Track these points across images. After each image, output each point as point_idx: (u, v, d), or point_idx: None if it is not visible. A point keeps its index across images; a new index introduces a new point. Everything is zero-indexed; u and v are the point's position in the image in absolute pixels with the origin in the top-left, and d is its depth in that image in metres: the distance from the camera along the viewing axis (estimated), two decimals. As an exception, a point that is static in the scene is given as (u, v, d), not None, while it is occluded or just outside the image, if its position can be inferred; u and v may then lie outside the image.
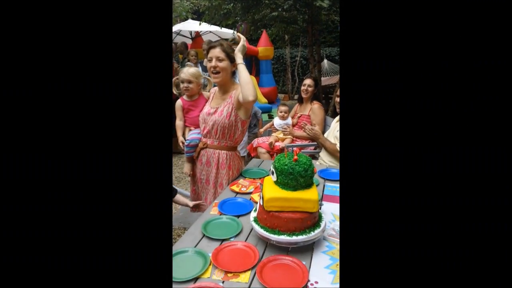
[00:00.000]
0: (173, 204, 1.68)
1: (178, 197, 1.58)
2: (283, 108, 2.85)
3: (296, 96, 7.28)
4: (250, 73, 7.22)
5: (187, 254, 0.98)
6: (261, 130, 3.15)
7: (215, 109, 1.58)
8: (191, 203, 1.60)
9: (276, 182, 1.04)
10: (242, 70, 1.47)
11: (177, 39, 6.49)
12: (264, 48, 6.97)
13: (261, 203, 1.04)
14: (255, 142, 2.85)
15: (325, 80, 6.01)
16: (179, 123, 1.83)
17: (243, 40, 1.52)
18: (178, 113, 1.85)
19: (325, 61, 7.32)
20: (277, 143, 2.72)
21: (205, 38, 6.26)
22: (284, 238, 0.97)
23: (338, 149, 2.03)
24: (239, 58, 1.50)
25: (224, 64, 1.53)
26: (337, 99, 2.20)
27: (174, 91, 2.08)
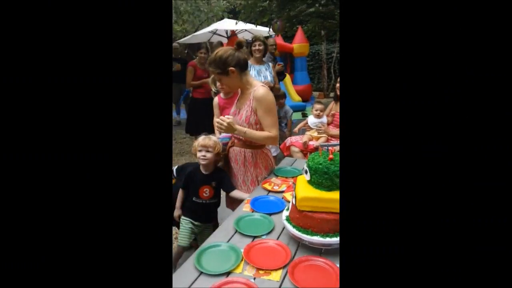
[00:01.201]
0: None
1: (235, 192, 1.60)
2: (318, 106, 2.80)
3: (331, 94, 7.12)
4: (285, 70, 7.18)
5: (220, 248, 1.00)
6: (296, 129, 3.12)
7: (238, 111, 1.59)
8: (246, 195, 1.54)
9: (310, 182, 1.02)
10: (251, 135, 1.51)
11: (213, 39, 6.62)
12: (299, 45, 6.89)
13: (294, 202, 1.03)
14: (288, 141, 2.83)
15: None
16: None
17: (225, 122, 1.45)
18: (215, 111, 1.88)
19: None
20: (311, 142, 2.68)
21: (240, 36, 6.32)
22: (317, 239, 0.95)
23: None
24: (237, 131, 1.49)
25: (224, 80, 1.53)
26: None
27: (213, 88, 2.12)
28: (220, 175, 1.62)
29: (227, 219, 1.22)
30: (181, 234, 1.64)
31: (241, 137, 1.57)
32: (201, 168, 1.61)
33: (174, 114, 5.35)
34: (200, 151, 1.54)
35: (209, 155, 1.54)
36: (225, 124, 1.44)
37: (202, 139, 1.56)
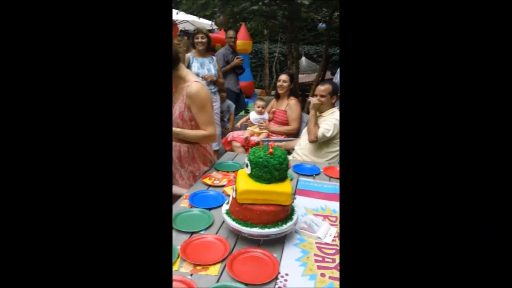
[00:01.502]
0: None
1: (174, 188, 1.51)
2: (260, 103, 2.84)
3: (273, 92, 7.31)
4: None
5: (155, 246, 0.94)
6: (238, 124, 3.12)
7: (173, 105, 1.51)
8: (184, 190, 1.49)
9: (250, 175, 1.02)
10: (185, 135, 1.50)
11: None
12: (242, 41, 6.91)
13: (234, 196, 1.02)
14: (230, 135, 2.82)
15: (303, 78, 6.06)
16: None
17: None
18: None
19: (303, 58, 7.39)
20: (252, 138, 2.71)
21: (181, 27, 6.09)
22: (256, 230, 0.96)
23: (317, 133, 2.05)
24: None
25: None
26: (312, 98, 2.22)
27: None
28: None
29: (164, 215, 1.15)
30: None
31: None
32: None
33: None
34: None
35: None
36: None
37: None
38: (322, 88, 2.16)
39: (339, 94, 2.45)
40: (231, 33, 3.93)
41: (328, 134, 2.03)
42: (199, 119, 1.48)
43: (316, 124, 2.10)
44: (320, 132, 2.04)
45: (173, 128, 1.45)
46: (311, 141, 2.10)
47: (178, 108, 1.48)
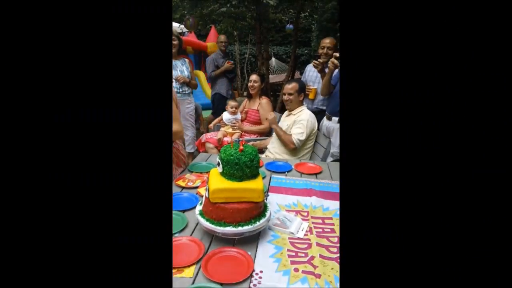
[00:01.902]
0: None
1: None
2: (233, 103, 2.85)
3: (245, 93, 7.33)
4: (199, 68, 7.06)
5: (126, 252, 0.92)
6: (210, 125, 3.10)
7: None
8: None
9: (222, 173, 1.03)
10: None
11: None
12: (213, 43, 6.86)
13: (207, 195, 1.01)
14: (203, 137, 2.80)
15: (273, 78, 6.14)
16: None
17: None
18: None
19: (273, 59, 7.48)
20: (225, 138, 2.70)
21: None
22: (229, 229, 0.96)
23: (293, 140, 2.09)
24: None
25: None
26: (284, 97, 2.26)
27: None
28: None
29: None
30: None
31: None
32: None
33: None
34: None
35: None
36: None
37: None
38: (289, 87, 2.21)
39: (306, 92, 2.53)
40: (222, 37, 3.86)
41: (303, 138, 2.08)
42: None
43: (286, 133, 2.15)
44: (295, 139, 2.09)
45: None
46: (292, 149, 2.13)
47: None
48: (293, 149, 2.12)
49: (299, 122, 2.12)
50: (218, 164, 1.03)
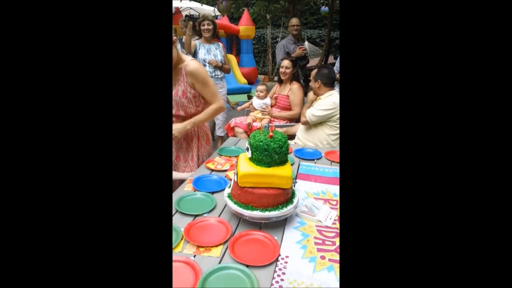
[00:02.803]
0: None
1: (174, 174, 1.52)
2: (260, 87, 2.83)
3: (276, 78, 7.25)
4: (231, 52, 7.06)
5: (158, 229, 0.97)
6: (239, 108, 3.12)
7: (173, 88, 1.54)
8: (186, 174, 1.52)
9: (251, 159, 1.03)
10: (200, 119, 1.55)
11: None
12: (245, 27, 6.81)
13: (235, 179, 1.03)
14: (233, 121, 2.82)
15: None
16: None
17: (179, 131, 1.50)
18: None
19: (306, 43, 7.26)
20: (254, 123, 2.71)
21: (184, 13, 6.00)
22: (257, 213, 0.98)
23: (306, 115, 2.13)
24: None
25: None
26: (312, 84, 2.25)
27: None
28: None
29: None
30: None
31: (180, 114, 1.55)
32: None
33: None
34: None
35: None
36: (174, 136, 1.48)
37: None
38: (312, 74, 2.22)
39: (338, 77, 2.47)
40: (294, 20, 3.47)
41: (317, 113, 2.07)
42: (205, 94, 1.53)
43: (308, 107, 2.19)
44: (307, 114, 2.11)
45: (184, 124, 1.50)
46: (303, 123, 2.19)
47: (180, 88, 1.51)
48: (304, 123, 2.18)
49: (324, 102, 2.10)
50: (247, 149, 1.04)
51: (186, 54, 3.22)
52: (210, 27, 2.93)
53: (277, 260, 0.87)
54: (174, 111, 1.55)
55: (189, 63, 1.49)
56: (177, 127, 1.48)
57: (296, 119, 2.76)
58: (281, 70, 2.78)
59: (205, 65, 2.94)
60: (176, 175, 1.52)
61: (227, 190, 1.09)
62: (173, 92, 1.51)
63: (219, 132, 3.32)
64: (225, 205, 1.11)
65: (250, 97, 4.76)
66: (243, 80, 6.27)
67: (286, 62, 2.76)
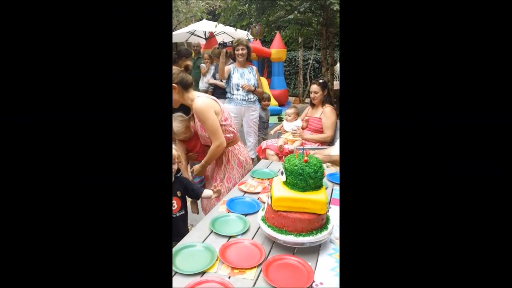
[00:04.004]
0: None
1: (205, 192, 1.55)
2: (289, 111, 2.86)
3: (307, 100, 7.27)
4: (262, 74, 7.24)
5: (195, 248, 1.00)
6: (271, 131, 3.16)
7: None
8: (212, 193, 1.53)
9: (285, 182, 1.05)
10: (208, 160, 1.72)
11: (191, 39, 6.56)
12: (276, 50, 6.98)
13: (269, 203, 1.05)
14: (264, 144, 2.86)
15: (338, 84, 5.97)
16: None
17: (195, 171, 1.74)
18: None
19: (338, 64, 7.28)
20: (286, 146, 2.73)
21: (219, 38, 6.31)
22: (290, 238, 0.98)
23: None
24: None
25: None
26: None
27: None
28: (182, 182, 1.47)
29: (203, 220, 1.22)
30: None
31: (209, 145, 1.70)
32: None
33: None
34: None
35: (174, 166, 1.42)
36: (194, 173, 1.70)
37: (174, 150, 1.43)
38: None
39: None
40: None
41: None
42: (207, 131, 1.65)
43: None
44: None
45: (199, 166, 1.73)
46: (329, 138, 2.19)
47: (197, 123, 1.67)
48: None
49: None
50: (282, 173, 1.06)
51: (220, 80, 3.36)
52: (244, 51, 3.03)
53: (311, 286, 0.86)
54: (203, 142, 1.75)
55: (195, 100, 1.61)
56: (196, 167, 1.74)
57: (328, 142, 2.74)
58: (311, 95, 2.81)
59: (238, 89, 3.04)
60: (206, 193, 1.54)
61: (261, 213, 1.11)
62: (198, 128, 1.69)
63: (250, 154, 3.37)
64: (259, 228, 1.13)
65: (280, 119, 4.81)
66: (274, 102, 6.36)
67: (314, 87, 2.79)
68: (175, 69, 1.62)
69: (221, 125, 1.64)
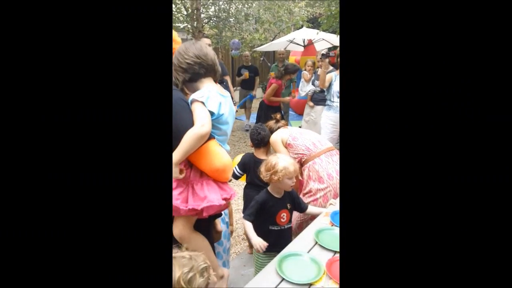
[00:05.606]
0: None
1: (310, 208, 1.48)
2: None
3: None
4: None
5: (301, 258, 1.00)
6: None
7: None
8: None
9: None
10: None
11: (290, 47, 6.69)
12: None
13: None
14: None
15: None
16: None
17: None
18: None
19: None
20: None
21: (317, 45, 6.26)
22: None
23: None
24: None
25: None
26: None
27: None
28: (291, 195, 1.43)
29: (306, 228, 1.21)
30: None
31: None
32: (272, 192, 1.37)
33: (243, 118, 5.47)
34: (290, 178, 1.31)
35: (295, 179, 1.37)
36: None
37: (293, 165, 1.33)
38: None
39: None
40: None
41: None
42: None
43: None
44: None
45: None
46: None
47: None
48: None
49: None
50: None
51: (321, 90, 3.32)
52: None
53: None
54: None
55: None
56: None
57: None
58: None
59: (339, 97, 2.96)
60: (312, 209, 1.48)
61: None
62: None
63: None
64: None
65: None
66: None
67: None
68: None
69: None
